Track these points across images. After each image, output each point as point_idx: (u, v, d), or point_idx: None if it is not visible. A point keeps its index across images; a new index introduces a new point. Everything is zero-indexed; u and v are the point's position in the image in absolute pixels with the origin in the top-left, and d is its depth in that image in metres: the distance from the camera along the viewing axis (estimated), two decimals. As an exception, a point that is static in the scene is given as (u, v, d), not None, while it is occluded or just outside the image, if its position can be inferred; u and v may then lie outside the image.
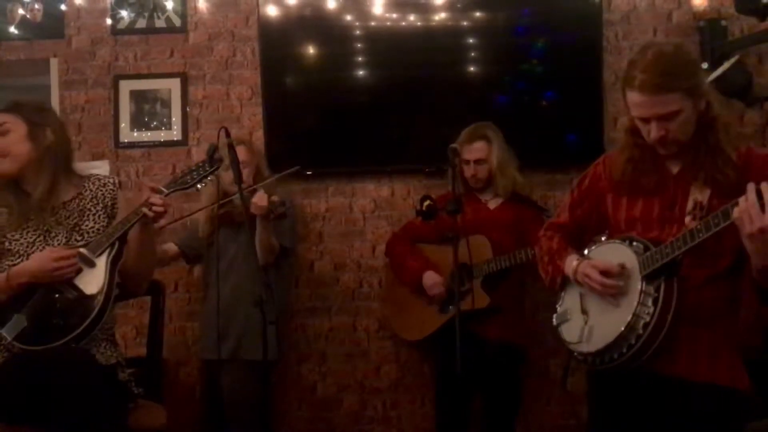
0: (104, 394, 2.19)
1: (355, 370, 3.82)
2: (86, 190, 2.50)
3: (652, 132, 1.96)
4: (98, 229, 2.45)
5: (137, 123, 3.89)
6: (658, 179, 2.06)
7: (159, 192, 2.37)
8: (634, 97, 1.96)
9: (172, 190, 2.41)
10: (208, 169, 2.43)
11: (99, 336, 2.37)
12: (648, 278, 1.94)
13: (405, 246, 3.47)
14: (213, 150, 2.43)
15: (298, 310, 3.82)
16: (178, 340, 3.81)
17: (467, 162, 3.34)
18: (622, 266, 2.00)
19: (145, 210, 2.32)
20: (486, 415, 3.32)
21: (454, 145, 3.07)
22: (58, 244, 2.39)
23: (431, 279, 3.30)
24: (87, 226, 2.44)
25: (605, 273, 2.02)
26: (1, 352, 2.31)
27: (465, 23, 3.77)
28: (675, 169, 2.06)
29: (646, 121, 1.98)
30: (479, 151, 3.33)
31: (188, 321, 3.81)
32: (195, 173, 2.43)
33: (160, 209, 2.34)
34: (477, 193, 3.42)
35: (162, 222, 2.47)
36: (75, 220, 2.44)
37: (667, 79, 1.91)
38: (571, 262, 2.15)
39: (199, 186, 2.46)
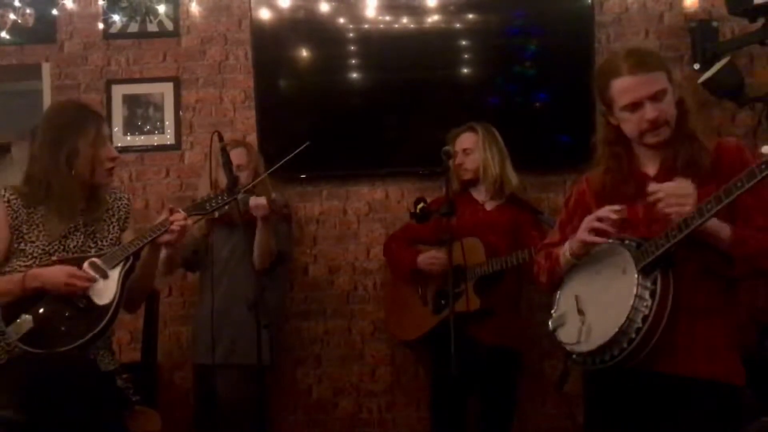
0: (104, 400, 2.20)
1: (350, 373, 3.81)
2: (103, 201, 2.53)
3: (648, 113, 2.00)
4: (111, 239, 2.50)
5: (130, 127, 3.88)
6: (637, 185, 2.09)
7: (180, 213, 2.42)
8: (624, 83, 2.02)
9: (191, 213, 2.46)
10: (227, 198, 2.48)
11: (99, 344, 2.39)
12: (644, 272, 1.95)
13: (401, 244, 3.48)
14: (234, 180, 2.49)
15: (292, 314, 3.81)
16: (173, 344, 3.80)
17: (456, 153, 3.36)
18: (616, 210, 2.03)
19: (171, 227, 2.36)
20: (482, 419, 3.32)
21: (447, 148, 3.08)
22: (74, 247, 2.41)
23: (426, 256, 3.29)
24: (101, 234, 2.48)
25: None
26: None
27: (458, 25, 3.78)
28: (652, 171, 2.10)
29: (637, 106, 2.01)
30: (466, 141, 3.37)
31: (183, 325, 3.79)
32: (214, 201, 2.49)
33: (184, 223, 2.39)
34: (471, 191, 3.41)
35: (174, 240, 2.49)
36: (92, 228, 2.47)
37: (649, 59, 2.04)
38: (564, 250, 2.18)
39: (216, 213, 2.53)
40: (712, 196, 1.83)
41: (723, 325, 2.02)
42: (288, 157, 3.03)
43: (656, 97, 1.99)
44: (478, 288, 3.16)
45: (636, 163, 2.12)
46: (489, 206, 3.38)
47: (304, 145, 2.98)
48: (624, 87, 2.02)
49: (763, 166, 1.72)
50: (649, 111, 2.00)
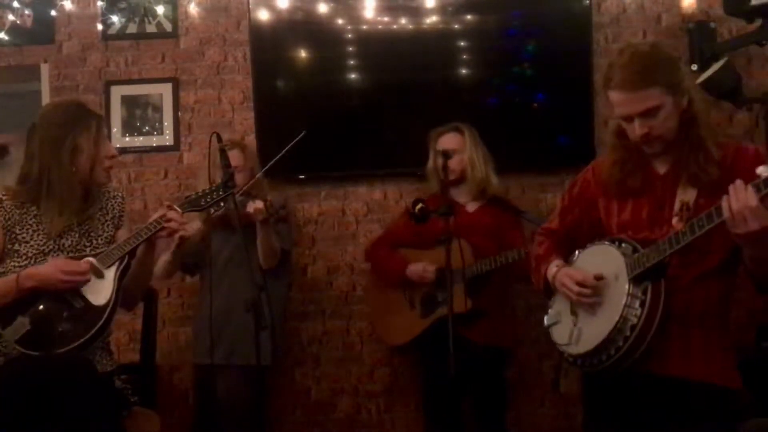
0: (102, 401, 2.20)
1: (348, 374, 3.82)
2: (97, 200, 2.53)
3: (636, 129, 1.98)
4: (106, 237, 2.50)
5: (129, 128, 3.89)
6: (644, 180, 2.08)
7: (175, 211, 2.42)
8: (614, 96, 2.00)
9: (186, 210, 2.46)
10: (221, 193, 2.47)
11: (97, 345, 2.39)
12: (635, 280, 1.95)
13: (386, 249, 3.46)
14: (229, 176, 2.47)
15: (291, 314, 3.81)
16: (172, 345, 3.80)
17: (439, 153, 3.35)
18: (599, 277, 2.02)
19: (167, 225, 2.37)
20: (475, 419, 3.32)
21: (447, 148, 3.08)
22: (69, 246, 2.41)
23: (417, 267, 3.28)
24: (95, 233, 2.48)
25: (581, 284, 2.04)
26: None
27: (456, 26, 3.78)
28: (662, 169, 2.08)
29: (628, 119, 2.00)
30: (451, 141, 3.35)
31: (181, 326, 3.80)
32: (209, 196, 2.48)
33: (177, 225, 2.39)
34: (452, 192, 3.39)
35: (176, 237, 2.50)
36: (87, 227, 2.47)
37: (644, 75, 1.94)
38: (551, 269, 2.18)
39: (212, 210, 2.53)
40: (704, 214, 1.83)
41: (719, 329, 2.02)
42: (285, 150, 3.03)
43: (647, 114, 1.96)
44: (468, 289, 3.15)
45: (646, 159, 2.10)
46: (470, 208, 3.38)
47: (301, 135, 3.01)
48: (615, 100, 2.01)
49: (761, 185, 1.72)
50: (637, 128, 1.98)
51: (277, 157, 3.05)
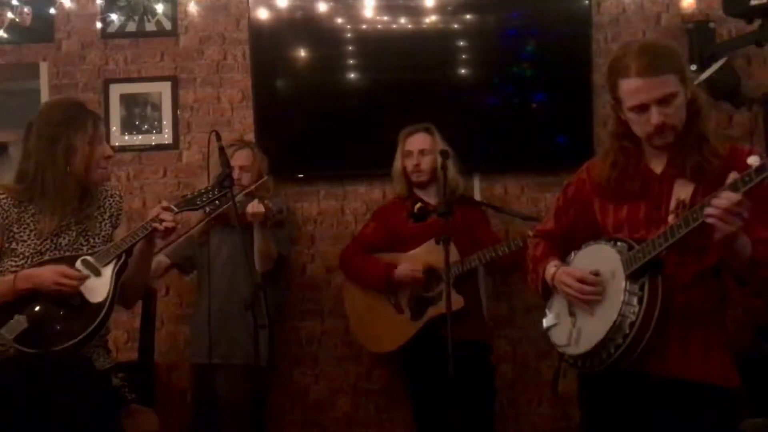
0: (99, 399, 2.20)
1: (347, 373, 3.82)
2: (94, 199, 2.52)
3: (653, 118, 1.94)
4: (103, 236, 2.49)
5: (128, 127, 3.89)
6: (642, 183, 2.06)
7: (170, 210, 2.41)
8: (631, 84, 1.95)
9: (182, 209, 2.46)
10: (217, 193, 2.48)
11: (94, 343, 2.38)
12: (632, 277, 1.94)
13: (362, 255, 3.43)
14: (224, 176, 2.47)
15: (290, 313, 3.81)
16: (170, 344, 3.80)
17: (410, 153, 3.36)
18: (596, 273, 2.02)
19: (156, 225, 2.36)
20: (466, 417, 3.30)
21: (444, 149, 3.08)
22: (66, 245, 2.40)
23: (404, 268, 3.27)
24: (92, 232, 2.47)
25: (581, 281, 2.04)
26: None
27: (455, 26, 3.79)
28: (659, 168, 2.06)
29: (644, 108, 1.95)
30: (422, 141, 3.36)
31: (180, 325, 3.80)
32: (205, 196, 2.49)
33: (171, 225, 2.38)
34: (418, 193, 3.39)
35: (170, 238, 2.50)
36: (84, 226, 2.46)
37: (661, 60, 1.93)
38: (549, 270, 2.16)
39: (207, 209, 2.54)
40: (698, 205, 1.82)
41: (717, 328, 2.01)
42: (245, 190, 3.04)
43: (664, 101, 1.93)
44: (456, 288, 3.14)
45: (643, 160, 2.08)
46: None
47: (262, 180, 3.14)
48: (631, 89, 1.95)
49: (746, 178, 1.71)
50: (655, 116, 1.93)
51: (244, 190, 3.05)
